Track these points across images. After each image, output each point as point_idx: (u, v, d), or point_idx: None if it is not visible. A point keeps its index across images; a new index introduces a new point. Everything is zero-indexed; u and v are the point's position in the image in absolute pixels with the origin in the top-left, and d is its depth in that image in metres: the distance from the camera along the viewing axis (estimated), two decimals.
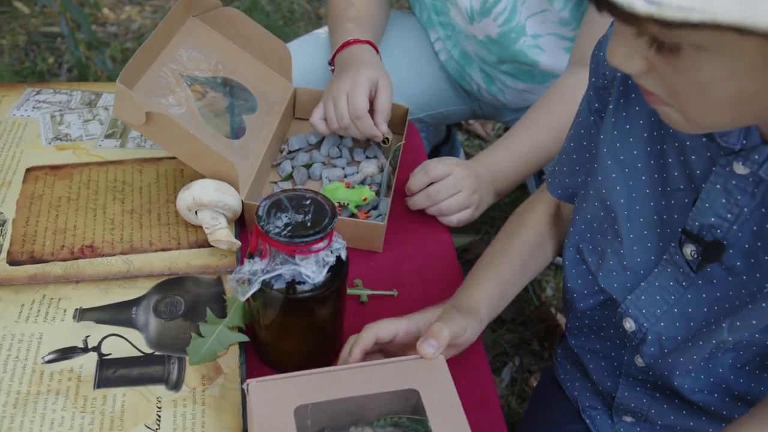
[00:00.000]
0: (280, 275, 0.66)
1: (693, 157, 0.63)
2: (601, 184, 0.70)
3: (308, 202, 0.67)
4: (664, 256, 0.67)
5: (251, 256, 0.68)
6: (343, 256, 0.69)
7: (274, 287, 0.67)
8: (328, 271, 0.67)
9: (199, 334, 0.72)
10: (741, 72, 0.46)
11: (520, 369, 1.37)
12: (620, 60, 0.51)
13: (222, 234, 0.82)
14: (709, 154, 0.61)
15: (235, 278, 0.67)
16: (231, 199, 0.83)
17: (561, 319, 1.42)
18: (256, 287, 0.66)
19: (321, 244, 0.65)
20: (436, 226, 0.96)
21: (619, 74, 0.68)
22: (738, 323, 0.62)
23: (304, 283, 0.67)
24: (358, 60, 1.05)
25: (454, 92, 1.33)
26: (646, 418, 0.78)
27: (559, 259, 1.55)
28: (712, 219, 0.61)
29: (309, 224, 0.65)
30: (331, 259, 0.67)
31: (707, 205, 0.61)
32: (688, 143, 0.63)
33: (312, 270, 0.66)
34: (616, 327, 0.77)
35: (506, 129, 1.96)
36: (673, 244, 0.66)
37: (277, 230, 0.64)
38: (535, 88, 1.21)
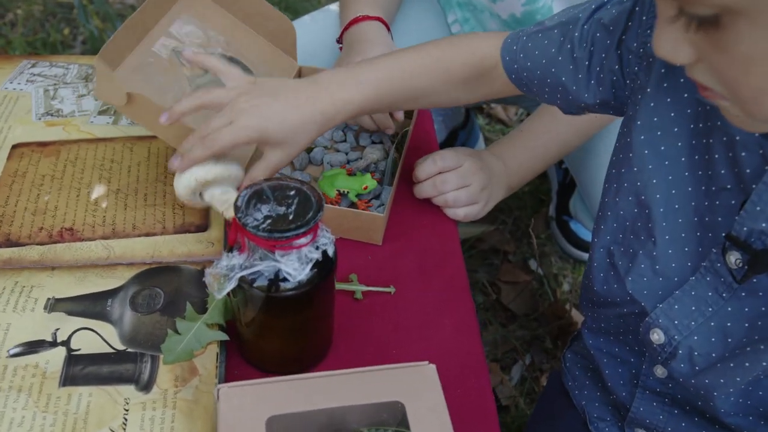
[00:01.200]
0: (259, 272, 0.61)
1: (743, 153, 0.56)
2: (636, 176, 0.63)
3: (293, 192, 0.62)
4: (704, 263, 0.60)
5: (230, 250, 0.63)
6: (330, 252, 0.64)
7: (254, 284, 0.61)
8: (313, 268, 0.62)
9: (176, 331, 0.67)
10: None
11: (531, 367, 1.31)
12: (668, 50, 0.46)
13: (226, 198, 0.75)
14: (761, 151, 0.55)
15: (212, 273, 0.62)
16: (234, 168, 0.76)
17: (576, 316, 1.35)
18: (232, 284, 0.60)
19: (303, 240, 0.60)
20: (442, 218, 0.90)
21: None
22: None
23: (286, 280, 0.61)
24: (368, 40, 0.98)
25: None
26: None
27: (575, 252, 1.49)
28: (764, 224, 0.54)
29: (291, 217, 0.60)
30: (316, 256, 0.61)
31: (758, 208, 0.55)
32: (738, 138, 0.56)
33: (294, 267, 0.60)
34: (636, 334, 0.70)
35: (528, 114, 1.88)
36: (714, 251, 0.59)
37: (255, 223, 0.59)
38: None
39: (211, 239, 0.79)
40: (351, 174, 0.90)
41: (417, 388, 0.59)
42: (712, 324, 0.61)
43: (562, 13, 0.74)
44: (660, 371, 0.68)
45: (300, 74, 1.02)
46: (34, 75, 1.01)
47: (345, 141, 0.98)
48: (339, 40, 1.04)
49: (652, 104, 0.62)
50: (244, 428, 0.55)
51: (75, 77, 1.01)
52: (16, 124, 0.91)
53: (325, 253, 0.63)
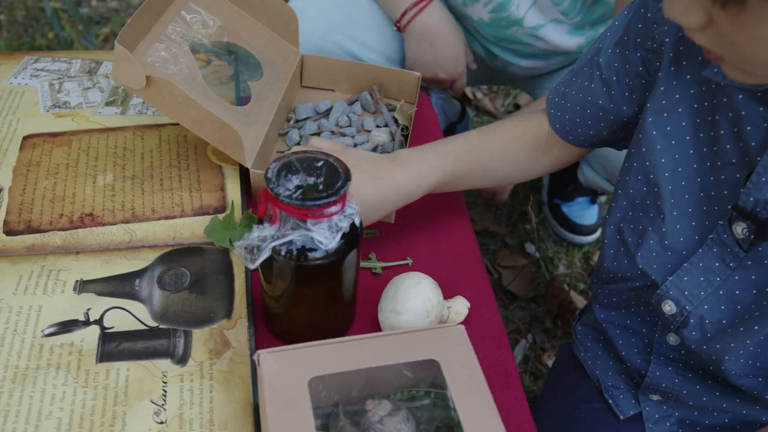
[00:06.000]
0: (290, 241, 0.62)
1: (748, 128, 0.59)
2: (645, 156, 0.66)
3: (320, 164, 0.64)
4: (711, 236, 0.63)
5: (260, 222, 0.64)
6: (357, 221, 0.66)
7: (284, 254, 0.63)
8: (341, 238, 0.63)
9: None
10: None
11: (533, 346, 1.34)
12: (679, 12, 0.48)
13: (462, 312, 0.75)
14: (766, 124, 0.58)
15: (243, 245, 0.63)
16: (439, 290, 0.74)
17: (574, 296, 1.38)
18: (266, 254, 0.62)
19: (334, 208, 0.62)
20: (451, 196, 0.92)
21: (668, 39, 0.64)
22: None
23: (315, 250, 0.63)
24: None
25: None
26: (677, 398, 0.74)
27: (568, 235, 1.53)
28: None
29: (321, 187, 0.61)
30: (345, 225, 0.63)
31: (764, 178, 0.57)
32: (743, 113, 0.59)
33: (325, 236, 0.62)
34: (647, 305, 0.73)
35: (516, 106, 1.92)
36: (721, 222, 0.62)
37: (288, 193, 0.60)
38: (540, 65, 1.18)
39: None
40: None
41: (449, 347, 0.61)
42: (721, 293, 0.64)
43: (588, 51, 0.77)
44: (672, 339, 0.71)
45: (302, 62, 1.03)
46: (38, 70, 1.01)
47: (350, 125, 0.99)
48: (398, 27, 1.11)
49: (662, 88, 0.65)
50: (288, 390, 0.56)
51: (78, 71, 1.02)
52: (25, 116, 0.92)
53: (352, 222, 0.65)
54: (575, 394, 0.85)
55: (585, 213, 1.54)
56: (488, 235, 1.54)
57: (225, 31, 0.96)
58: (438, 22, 1.09)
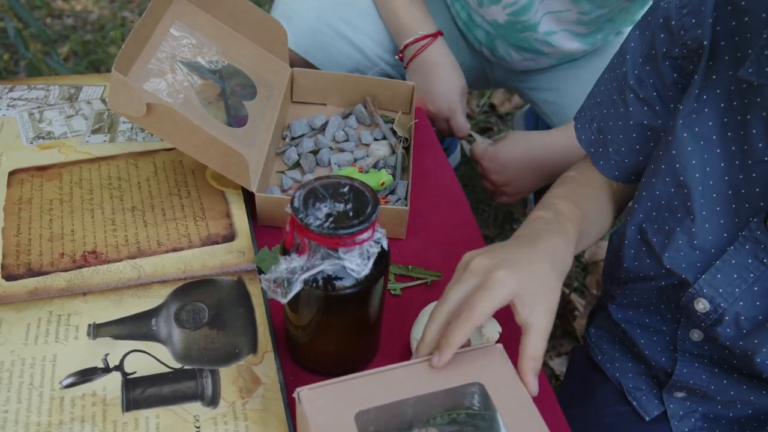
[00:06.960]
0: (321, 272, 0.60)
1: None
2: (674, 159, 0.66)
3: (346, 189, 0.61)
4: (742, 233, 0.63)
5: (286, 253, 0.62)
6: (385, 245, 0.64)
7: (312, 283, 0.60)
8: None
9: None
10: None
11: None
12: None
13: (492, 338, 0.71)
14: None
15: (272, 278, 0.60)
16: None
17: (575, 298, 1.38)
18: (298, 287, 0.59)
19: (365, 235, 0.59)
20: (458, 206, 0.91)
21: (706, 42, 0.63)
22: None
23: (342, 278, 0.61)
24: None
25: (465, 43, 1.26)
26: (704, 395, 0.74)
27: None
28: None
29: (351, 214, 0.59)
30: (376, 250, 0.61)
31: None
32: None
33: (356, 263, 0.60)
34: (670, 303, 0.73)
35: (491, 106, 1.91)
36: (754, 220, 0.62)
37: (318, 222, 0.58)
38: (541, 58, 1.17)
39: (240, 248, 0.77)
40: (363, 172, 0.90)
41: (491, 368, 0.60)
42: (756, 289, 0.64)
43: (608, 80, 0.75)
44: (696, 335, 0.71)
45: (293, 78, 1.01)
46: (14, 99, 0.96)
47: (348, 140, 0.97)
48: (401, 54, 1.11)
49: (696, 91, 0.65)
50: (335, 426, 0.54)
51: (58, 98, 0.97)
52: (8, 150, 0.87)
53: (381, 246, 0.63)
54: (596, 398, 0.84)
55: None
56: None
57: (215, 50, 0.92)
58: (437, 59, 1.08)
